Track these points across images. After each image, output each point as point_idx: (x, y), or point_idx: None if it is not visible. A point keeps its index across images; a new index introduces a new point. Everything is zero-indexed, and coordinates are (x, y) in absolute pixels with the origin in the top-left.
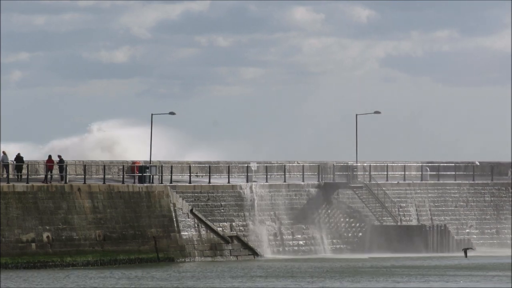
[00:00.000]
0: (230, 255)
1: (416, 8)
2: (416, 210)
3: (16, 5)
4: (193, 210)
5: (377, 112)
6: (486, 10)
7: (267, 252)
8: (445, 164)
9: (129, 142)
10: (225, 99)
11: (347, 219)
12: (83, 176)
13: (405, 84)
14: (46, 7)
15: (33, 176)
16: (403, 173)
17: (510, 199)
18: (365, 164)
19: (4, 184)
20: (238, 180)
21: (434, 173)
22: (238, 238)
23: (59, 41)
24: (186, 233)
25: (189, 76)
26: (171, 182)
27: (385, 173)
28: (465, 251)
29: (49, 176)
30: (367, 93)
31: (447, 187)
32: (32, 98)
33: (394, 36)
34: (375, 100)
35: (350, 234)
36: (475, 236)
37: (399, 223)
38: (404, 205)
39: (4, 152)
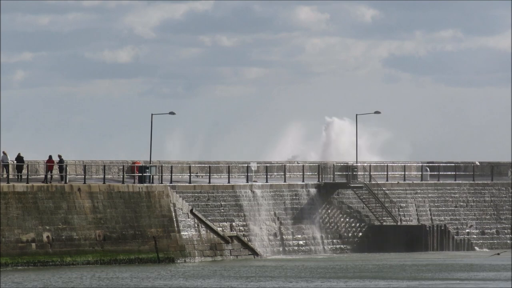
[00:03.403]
0: (230, 255)
1: (420, 8)
2: (416, 210)
3: (19, 5)
4: (193, 210)
5: (377, 112)
6: (490, 10)
7: (267, 252)
8: (445, 164)
9: None
10: (228, 99)
11: (347, 219)
12: (83, 176)
13: (407, 84)
14: (49, 7)
15: (33, 176)
16: (403, 173)
17: (510, 199)
18: (365, 164)
19: (4, 184)
20: (238, 180)
21: (434, 173)
22: (238, 238)
23: (63, 41)
24: (186, 233)
25: (193, 76)
26: (171, 182)
27: (385, 173)
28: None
29: (49, 176)
30: (370, 93)
31: (447, 187)
32: (35, 98)
33: (397, 36)
34: (377, 100)
35: (350, 234)
36: (475, 236)
37: (399, 223)
38: (404, 205)
39: (4, 152)
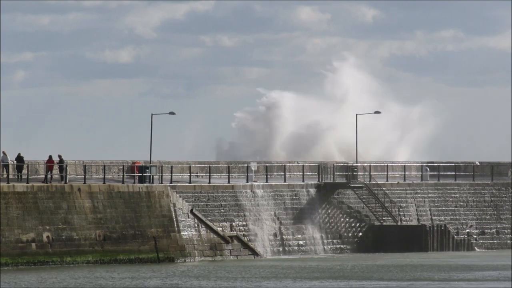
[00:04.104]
0: (230, 255)
1: (421, 8)
2: (416, 210)
3: (20, 5)
4: (193, 210)
5: (377, 112)
6: (490, 10)
7: (267, 252)
8: (445, 164)
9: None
10: (228, 99)
11: (347, 219)
12: (83, 176)
13: (408, 84)
14: (50, 7)
15: (33, 176)
16: (403, 173)
17: (510, 199)
18: (365, 164)
19: (4, 184)
20: (238, 180)
21: (434, 173)
22: (238, 238)
23: (63, 41)
24: (186, 233)
25: (193, 76)
26: (171, 182)
27: (385, 173)
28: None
29: (49, 176)
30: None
31: (447, 187)
32: (35, 98)
33: (398, 36)
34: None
35: (350, 234)
36: (475, 236)
37: (399, 223)
38: (404, 205)
39: (4, 152)
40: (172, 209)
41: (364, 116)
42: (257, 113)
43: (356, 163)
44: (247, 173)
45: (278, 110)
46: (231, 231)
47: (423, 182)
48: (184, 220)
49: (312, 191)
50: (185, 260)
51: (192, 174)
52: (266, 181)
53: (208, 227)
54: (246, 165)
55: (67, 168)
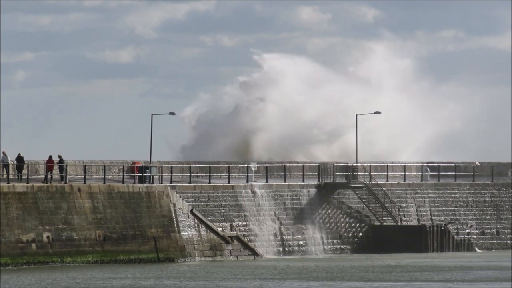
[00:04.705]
0: (230, 255)
1: (422, 8)
2: (416, 210)
3: (20, 5)
4: (193, 210)
5: (377, 112)
6: (490, 10)
7: (267, 252)
8: (445, 164)
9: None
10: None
11: (347, 219)
12: (83, 176)
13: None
14: (50, 7)
15: (33, 176)
16: (403, 173)
17: (510, 199)
18: (365, 164)
19: (4, 184)
20: (238, 180)
21: (434, 173)
22: (238, 238)
23: (63, 41)
24: (186, 233)
25: (193, 76)
26: (171, 182)
27: (385, 173)
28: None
29: (49, 176)
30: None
31: (447, 187)
32: (35, 98)
33: (399, 36)
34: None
35: (350, 234)
36: (475, 236)
37: (399, 223)
38: (404, 205)
39: (4, 152)
40: (172, 209)
41: (386, 99)
42: (250, 83)
43: (356, 163)
44: (247, 173)
45: (278, 83)
46: (231, 231)
47: (423, 182)
48: (184, 220)
49: (312, 191)
50: (185, 260)
51: (192, 174)
52: (266, 181)
53: (208, 227)
54: (246, 165)
55: (67, 168)
